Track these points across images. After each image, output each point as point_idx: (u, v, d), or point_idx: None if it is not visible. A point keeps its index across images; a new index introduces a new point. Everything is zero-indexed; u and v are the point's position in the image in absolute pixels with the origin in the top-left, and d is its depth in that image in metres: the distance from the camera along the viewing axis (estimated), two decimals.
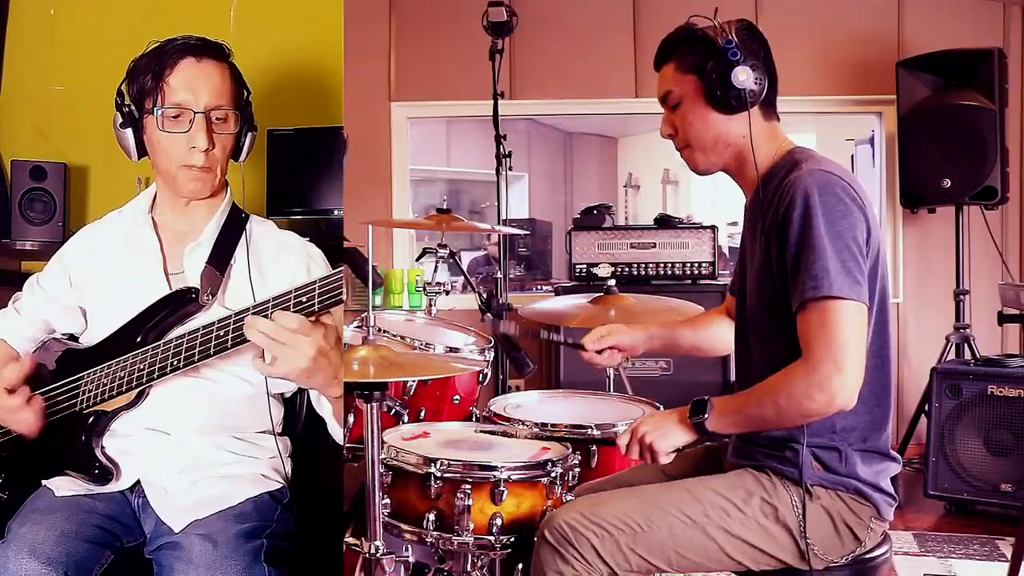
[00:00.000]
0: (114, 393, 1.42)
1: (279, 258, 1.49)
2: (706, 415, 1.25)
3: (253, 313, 1.27)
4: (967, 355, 3.08)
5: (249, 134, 1.51)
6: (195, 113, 1.41)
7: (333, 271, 1.23)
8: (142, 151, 1.49)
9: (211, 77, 1.44)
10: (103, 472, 1.41)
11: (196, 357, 1.34)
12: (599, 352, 1.63)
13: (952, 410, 2.78)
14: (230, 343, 1.31)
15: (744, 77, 1.26)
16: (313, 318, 1.21)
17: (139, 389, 1.40)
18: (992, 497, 2.72)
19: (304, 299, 1.23)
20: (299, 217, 2.30)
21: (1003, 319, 2.64)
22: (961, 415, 2.77)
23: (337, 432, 1.47)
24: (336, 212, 2.32)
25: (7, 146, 2.39)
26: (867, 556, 1.28)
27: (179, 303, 1.43)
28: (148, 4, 2.15)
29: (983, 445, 2.74)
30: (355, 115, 3.38)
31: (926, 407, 2.90)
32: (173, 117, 1.42)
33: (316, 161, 2.27)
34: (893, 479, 1.31)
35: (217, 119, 1.44)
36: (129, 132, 1.47)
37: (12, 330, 1.58)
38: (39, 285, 1.59)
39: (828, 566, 1.25)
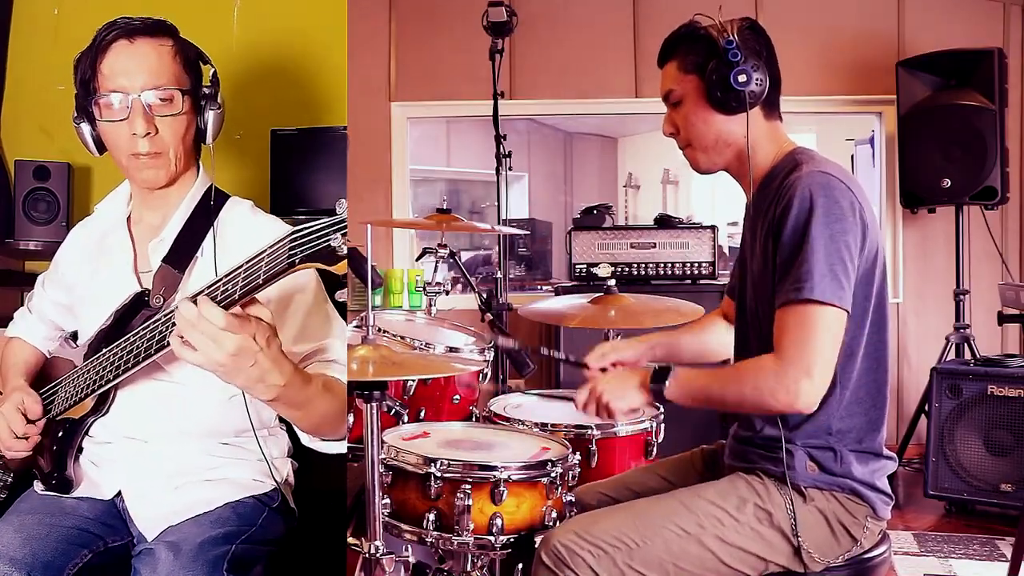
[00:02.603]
0: (74, 401, 1.40)
1: (247, 243, 1.35)
2: (666, 383, 1.26)
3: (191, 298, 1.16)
4: (967, 355, 3.08)
5: (211, 113, 1.41)
6: (131, 98, 1.34)
7: (274, 242, 1.04)
8: (102, 147, 1.42)
9: (146, 57, 1.35)
10: (61, 482, 1.40)
11: (131, 363, 1.28)
12: (603, 371, 1.56)
13: (952, 410, 2.78)
14: (155, 348, 1.24)
15: (744, 78, 1.26)
16: (241, 313, 1.08)
17: (95, 396, 1.37)
18: (992, 497, 2.72)
19: (239, 281, 1.07)
20: (302, 217, 2.31)
21: (1003, 319, 2.64)
22: (961, 415, 2.77)
23: (300, 433, 1.34)
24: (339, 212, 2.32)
25: (11, 146, 2.40)
26: (866, 556, 1.28)
27: (136, 307, 1.38)
28: (151, 4, 2.15)
29: (983, 445, 2.74)
30: (355, 115, 3.39)
31: (926, 407, 2.90)
32: (111, 105, 1.35)
33: (319, 161, 2.27)
34: (891, 478, 1.32)
35: (160, 100, 1.35)
36: (85, 127, 1.41)
37: (29, 329, 1.58)
38: (42, 286, 1.60)
39: (827, 567, 1.25)
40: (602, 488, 1.48)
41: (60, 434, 1.42)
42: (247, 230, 1.43)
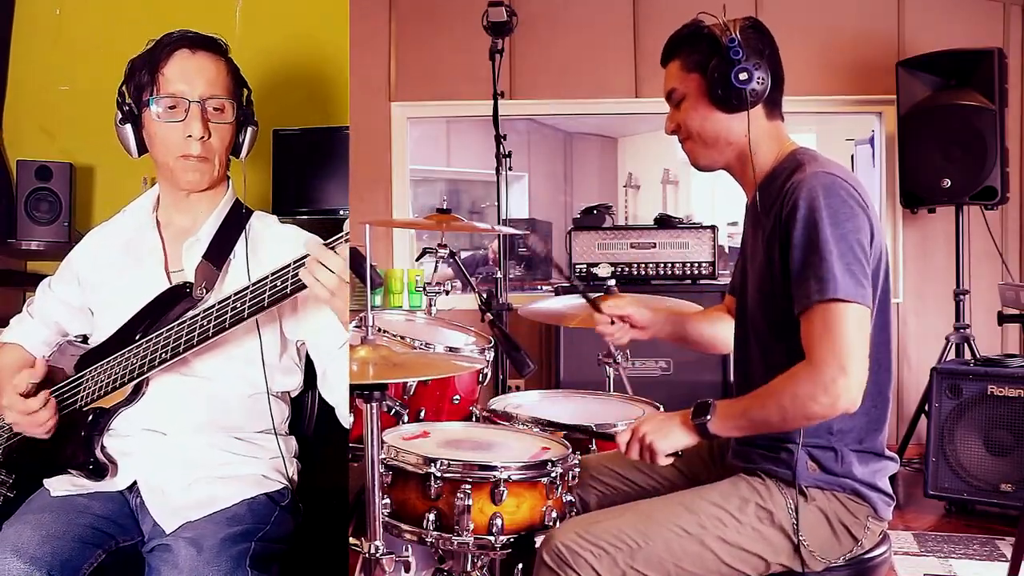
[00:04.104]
0: (109, 389, 1.43)
1: (277, 251, 1.46)
2: (708, 417, 1.25)
3: (245, 293, 1.30)
4: (967, 355, 3.08)
5: (249, 129, 1.51)
6: (190, 102, 1.43)
7: (339, 234, 1.24)
8: (142, 148, 1.50)
9: (206, 68, 1.45)
10: (97, 468, 1.42)
11: (181, 348, 1.35)
12: (612, 323, 1.61)
13: (952, 410, 2.79)
14: (212, 332, 1.32)
15: (745, 76, 1.27)
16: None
17: (132, 384, 1.41)
18: (992, 497, 2.72)
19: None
20: (305, 217, 2.31)
21: (1003, 319, 2.65)
22: (961, 415, 2.78)
23: (345, 414, 1.44)
24: (342, 212, 2.33)
25: (13, 146, 2.40)
26: (866, 556, 1.28)
27: (175, 299, 1.44)
28: (153, 4, 2.15)
29: (983, 445, 2.74)
30: (355, 115, 3.39)
31: (926, 407, 2.91)
32: (169, 108, 1.43)
33: (322, 161, 2.28)
34: (892, 479, 1.32)
35: (214, 109, 1.45)
36: (128, 128, 1.48)
37: (26, 334, 1.60)
38: (50, 288, 1.61)
39: (827, 567, 1.26)
40: (606, 461, 1.49)
41: (89, 420, 1.44)
42: (274, 238, 1.52)
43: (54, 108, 2.31)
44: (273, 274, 1.28)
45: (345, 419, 1.46)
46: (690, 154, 1.39)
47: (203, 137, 1.44)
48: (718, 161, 1.37)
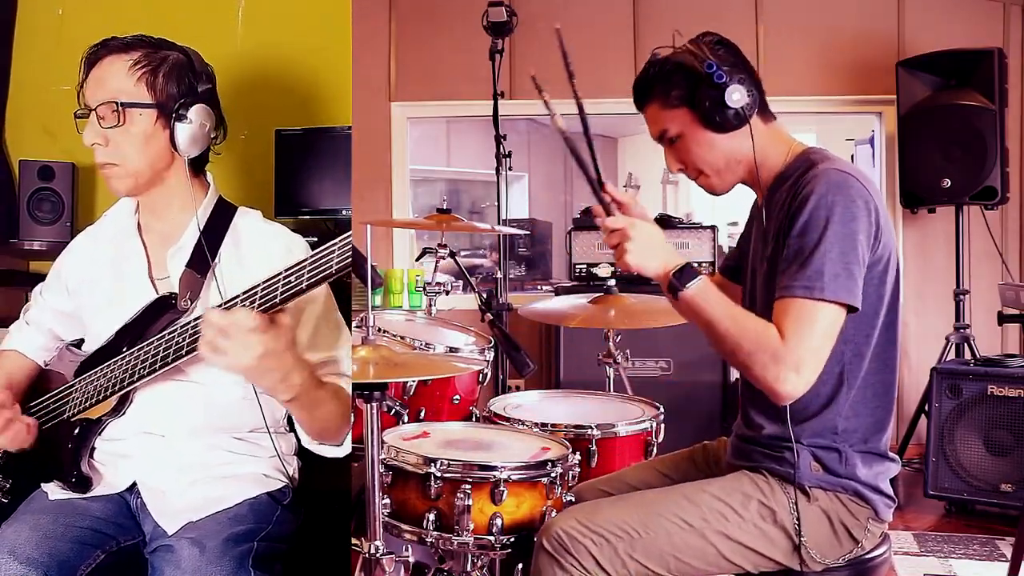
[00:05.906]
0: (95, 401, 1.42)
1: (261, 251, 1.45)
2: (688, 288, 1.21)
3: (218, 307, 1.25)
4: (967, 355, 3.08)
5: (179, 126, 1.39)
6: (89, 111, 1.40)
7: (305, 257, 1.17)
8: None
9: (109, 72, 1.40)
10: (80, 480, 1.42)
11: (158, 364, 1.33)
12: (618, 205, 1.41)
13: (952, 410, 2.79)
14: (185, 350, 1.30)
15: (738, 96, 1.25)
16: (269, 317, 1.17)
17: (118, 396, 1.40)
18: (992, 497, 2.73)
19: (268, 291, 1.19)
20: (307, 217, 2.32)
21: (1003, 319, 2.65)
22: (961, 415, 2.78)
23: (303, 435, 1.42)
24: (344, 212, 2.33)
25: (15, 146, 2.40)
26: (866, 557, 1.29)
27: (160, 310, 1.42)
28: (154, 4, 2.15)
29: (983, 445, 2.74)
30: (355, 115, 3.38)
31: (926, 407, 2.91)
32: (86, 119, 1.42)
33: (324, 161, 2.28)
34: (893, 480, 1.32)
35: (111, 112, 1.37)
36: None
37: (24, 341, 1.59)
38: (41, 296, 1.61)
39: (827, 567, 1.26)
40: (602, 484, 1.49)
41: (76, 432, 1.44)
42: (260, 236, 1.48)
43: (56, 108, 2.30)
44: (245, 292, 1.24)
45: (303, 437, 1.43)
46: (706, 187, 1.37)
47: (96, 143, 1.39)
48: (732, 182, 1.36)
